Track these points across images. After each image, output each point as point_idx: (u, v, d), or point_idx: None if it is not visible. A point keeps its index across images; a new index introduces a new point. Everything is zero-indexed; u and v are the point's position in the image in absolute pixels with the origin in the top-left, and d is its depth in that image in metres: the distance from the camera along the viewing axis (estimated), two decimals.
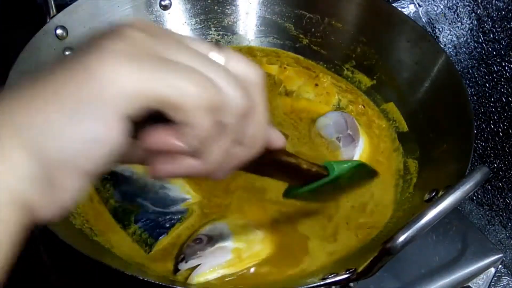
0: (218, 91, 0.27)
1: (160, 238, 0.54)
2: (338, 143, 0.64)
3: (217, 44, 0.30)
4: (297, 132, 0.67)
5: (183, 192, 0.58)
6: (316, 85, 0.72)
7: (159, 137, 0.27)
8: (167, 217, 0.56)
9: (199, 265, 0.51)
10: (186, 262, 0.51)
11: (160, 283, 0.44)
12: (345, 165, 0.48)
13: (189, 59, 0.27)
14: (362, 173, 0.52)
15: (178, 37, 0.28)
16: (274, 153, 0.36)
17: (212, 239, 0.52)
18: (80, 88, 0.25)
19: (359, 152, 0.63)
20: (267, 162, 0.36)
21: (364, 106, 0.71)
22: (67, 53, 0.64)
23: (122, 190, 0.57)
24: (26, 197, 0.24)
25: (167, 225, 0.55)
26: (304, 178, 0.44)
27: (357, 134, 0.64)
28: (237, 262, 0.52)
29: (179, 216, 0.56)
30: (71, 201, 0.26)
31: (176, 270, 0.51)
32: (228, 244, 0.52)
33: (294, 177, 0.43)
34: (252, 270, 0.53)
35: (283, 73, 0.74)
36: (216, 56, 0.29)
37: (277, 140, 0.35)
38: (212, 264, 0.51)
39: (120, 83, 0.25)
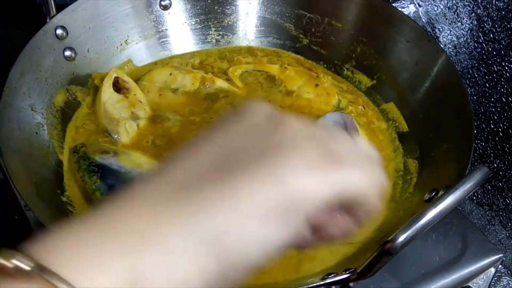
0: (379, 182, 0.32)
1: None
2: None
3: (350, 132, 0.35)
4: None
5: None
6: (317, 85, 0.72)
7: (342, 224, 0.31)
8: None
9: None
10: None
11: None
12: None
13: (351, 154, 0.31)
14: None
15: (332, 135, 0.32)
16: None
17: None
18: (270, 192, 0.26)
19: None
20: None
21: (364, 107, 0.71)
22: (66, 53, 0.64)
23: (109, 183, 0.57)
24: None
25: None
26: None
27: (356, 134, 0.64)
28: None
29: None
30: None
31: None
32: None
33: None
34: None
35: (283, 72, 0.74)
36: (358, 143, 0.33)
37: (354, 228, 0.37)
38: None
39: (308, 188, 0.27)
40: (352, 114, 0.69)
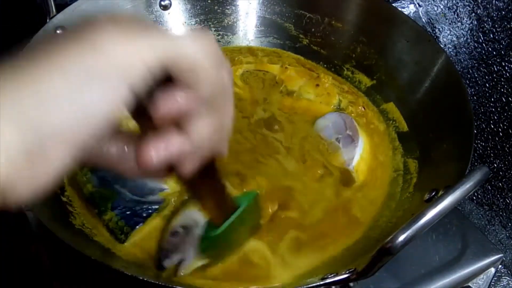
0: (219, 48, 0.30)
1: (137, 227, 0.53)
2: (338, 144, 0.64)
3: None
4: (297, 133, 0.67)
5: (161, 182, 0.58)
6: (317, 85, 0.72)
7: (171, 101, 0.28)
8: (144, 206, 0.55)
9: (184, 259, 0.50)
10: (170, 258, 0.50)
11: (160, 283, 0.44)
12: (245, 197, 0.49)
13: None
14: (254, 209, 0.53)
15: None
16: (215, 162, 0.37)
17: (188, 229, 0.52)
18: (85, 60, 0.25)
19: (359, 152, 0.63)
20: (206, 173, 0.37)
21: (364, 108, 0.71)
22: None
23: (100, 176, 0.56)
24: (15, 168, 0.23)
25: (144, 215, 0.54)
26: (223, 207, 0.45)
27: (356, 134, 0.64)
28: None
29: (157, 206, 0.56)
30: (51, 177, 0.25)
31: (161, 267, 0.51)
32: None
33: (217, 204, 0.44)
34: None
35: (284, 72, 0.74)
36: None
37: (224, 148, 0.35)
38: (196, 254, 0.50)
39: (130, 52, 0.26)
40: (352, 115, 0.69)
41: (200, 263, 0.51)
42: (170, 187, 0.58)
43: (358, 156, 0.63)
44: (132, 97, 0.27)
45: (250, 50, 0.78)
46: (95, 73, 0.25)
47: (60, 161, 0.25)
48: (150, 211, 0.55)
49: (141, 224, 0.54)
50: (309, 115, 0.69)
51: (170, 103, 0.28)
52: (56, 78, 0.24)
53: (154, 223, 0.55)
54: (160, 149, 0.30)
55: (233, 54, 0.77)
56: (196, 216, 0.53)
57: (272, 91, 0.72)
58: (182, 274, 0.50)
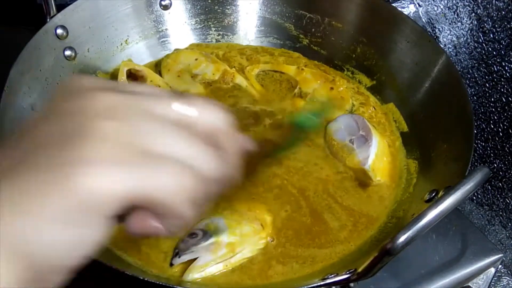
0: (198, 177, 0.28)
1: None
2: (351, 145, 0.63)
3: (183, 96, 0.30)
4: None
5: None
6: (331, 88, 0.71)
7: (143, 223, 0.28)
8: None
9: (194, 259, 0.51)
10: (179, 257, 0.51)
11: (160, 283, 0.44)
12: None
13: (165, 142, 0.28)
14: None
15: (146, 103, 0.28)
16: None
17: (207, 234, 0.53)
18: (64, 197, 0.25)
19: (374, 150, 0.62)
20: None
21: (374, 108, 0.70)
22: (66, 53, 0.63)
23: None
24: None
25: None
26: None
27: (369, 133, 0.63)
28: (231, 257, 0.52)
29: None
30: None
31: (170, 264, 0.52)
32: (223, 238, 0.53)
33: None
34: (246, 266, 0.53)
35: (300, 74, 0.73)
36: (190, 110, 0.30)
37: (249, 144, 0.35)
38: (206, 259, 0.51)
39: (103, 189, 0.25)
40: (365, 115, 0.69)
41: (209, 270, 0.51)
42: None
43: (373, 155, 0.62)
44: (112, 220, 0.27)
45: (264, 49, 0.78)
46: (73, 211, 0.25)
47: (58, 281, 0.26)
48: None
49: None
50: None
51: (141, 225, 0.28)
52: (37, 216, 0.25)
53: None
54: (138, 228, 0.29)
55: (251, 52, 0.77)
56: (219, 224, 0.54)
57: (287, 93, 0.72)
58: (189, 276, 0.50)
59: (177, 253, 0.51)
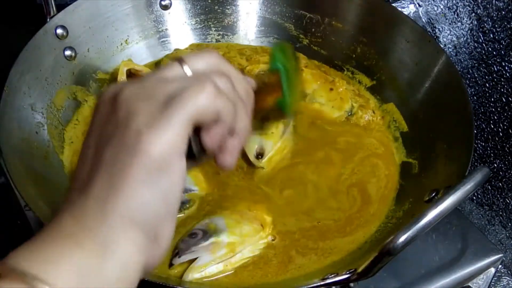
0: (227, 96, 0.33)
1: None
2: None
3: (175, 58, 0.37)
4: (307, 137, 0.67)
5: (192, 183, 0.59)
6: (331, 89, 0.71)
7: (214, 137, 0.33)
8: None
9: (194, 259, 0.51)
10: (179, 257, 0.51)
11: (161, 282, 0.44)
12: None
13: (180, 83, 0.32)
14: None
15: (153, 77, 0.33)
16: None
17: (207, 234, 0.53)
18: (139, 164, 0.29)
19: None
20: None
21: (374, 112, 0.70)
22: (66, 53, 0.64)
23: None
24: (142, 262, 0.30)
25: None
26: (274, 90, 0.46)
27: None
28: (231, 257, 0.52)
29: (181, 207, 0.56)
30: (169, 244, 0.32)
31: (170, 264, 0.52)
32: (223, 238, 0.53)
33: (270, 94, 0.46)
34: (246, 266, 0.53)
35: None
36: (186, 68, 0.34)
37: (250, 81, 0.40)
38: (206, 259, 0.51)
39: (161, 144, 0.29)
40: (362, 121, 0.69)
41: (209, 270, 0.51)
42: (199, 188, 0.59)
43: None
44: (184, 160, 0.31)
45: (263, 49, 0.78)
46: (151, 170, 0.29)
47: (169, 234, 0.31)
48: None
49: None
50: (318, 119, 0.69)
51: (213, 139, 0.33)
52: (131, 189, 0.29)
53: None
54: (231, 158, 0.35)
55: (250, 52, 0.77)
56: (219, 224, 0.54)
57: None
58: (189, 275, 0.50)
59: (177, 253, 0.51)
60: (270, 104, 0.46)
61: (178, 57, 0.35)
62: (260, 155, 0.60)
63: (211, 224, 0.54)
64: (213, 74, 0.33)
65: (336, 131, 0.68)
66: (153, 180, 0.29)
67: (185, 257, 0.51)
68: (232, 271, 0.52)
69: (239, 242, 0.53)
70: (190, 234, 0.53)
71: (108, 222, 0.28)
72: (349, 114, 0.69)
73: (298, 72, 0.53)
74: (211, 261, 0.51)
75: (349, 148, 0.66)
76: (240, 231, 0.54)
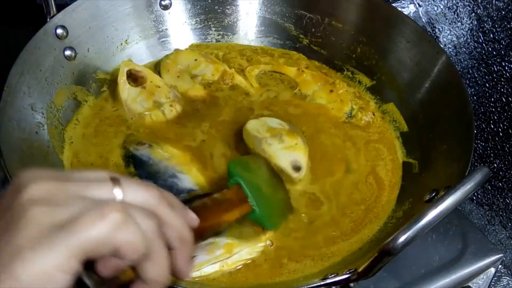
0: (134, 228, 0.29)
1: None
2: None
3: (112, 176, 0.32)
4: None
5: (192, 183, 0.59)
6: (331, 91, 0.71)
7: (108, 267, 0.31)
8: None
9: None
10: None
11: None
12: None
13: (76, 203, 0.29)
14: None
15: (81, 188, 0.30)
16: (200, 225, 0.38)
17: None
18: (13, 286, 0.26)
19: None
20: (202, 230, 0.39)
21: (374, 114, 0.70)
22: (66, 53, 0.64)
23: (136, 173, 0.59)
24: None
25: None
26: (238, 205, 0.46)
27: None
28: (227, 257, 0.52)
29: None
30: None
31: None
32: (221, 239, 0.53)
33: (231, 210, 0.46)
34: (241, 267, 0.53)
35: (300, 76, 0.74)
36: (116, 191, 0.31)
37: (193, 220, 0.37)
38: (203, 259, 0.51)
39: (43, 272, 0.26)
40: (362, 122, 0.69)
41: (206, 269, 0.51)
42: (200, 188, 0.59)
43: None
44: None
45: (264, 50, 0.78)
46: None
47: None
48: None
49: None
50: (318, 121, 0.69)
51: (107, 268, 0.31)
52: None
53: None
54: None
55: (251, 53, 0.77)
56: None
57: (286, 93, 0.72)
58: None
59: None
60: (236, 217, 0.46)
61: (115, 177, 0.32)
62: (297, 168, 0.59)
63: None
64: (136, 210, 0.30)
65: (337, 134, 0.68)
66: None
67: None
68: (228, 272, 0.52)
69: (237, 243, 0.53)
70: None
71: None
72: (349, 115, 0.69)
73: (275, 182, 0.54)
74: (207, 261, 0.51)
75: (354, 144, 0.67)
76: (239, 233, 0.54)
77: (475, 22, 0.73)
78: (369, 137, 0.68)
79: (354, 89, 0.73)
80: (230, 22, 0.79)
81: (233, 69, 0.73)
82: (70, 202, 0.29)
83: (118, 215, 0.28)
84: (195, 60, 0.72)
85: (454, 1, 0.76)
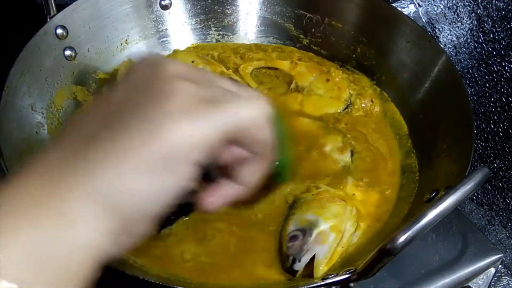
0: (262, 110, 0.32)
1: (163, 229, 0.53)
2: None
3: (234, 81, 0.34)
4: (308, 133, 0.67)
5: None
6: (328, 80, 0.70)
7: (233, 151, 0.32)
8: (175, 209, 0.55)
9: (315, 256, 0.50)
10: (299, 261, 0.50)
11: (160, 283, 0.44)
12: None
13: (228, 93, 0.31)
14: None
15: (212, 77, 0.32)
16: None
17: (306, 229, 0.52)
18: (151, 149, 0.27)
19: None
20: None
21: (372, 101, 0.70)
22: (66, 53, 0.64)
23: None
24: (103, 248, 0.27)
25: (172, 218, 0.54)
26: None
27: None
28: (341, 238, 0.52)
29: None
30: (136, 242, 0.29)
31: (293, 272, 0.50)
32: (323, 226, 0.52)
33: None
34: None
35: (294, 68, 0.73)
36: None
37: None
38: (324, 250, 0.50)
39: (187, 136, 0.27)
40: (360, 112, 0.69)
41: (334, 256, 0.51)
42: None
43: None
44: (198, 170, 0.29)
45: (257, 45, 0.78)
46: (161, 159, 0.27)
47: (141, 234, 0.29)
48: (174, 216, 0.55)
49: (168, 226, 0.54)
50: (319, 111, 0.68)
51: (231, 153, 0.32)
52: (125, 165, 0.27)
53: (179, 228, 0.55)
54: (217, 197, 0.34)
55: (244, 50, 0.77)
56: (307, 217, 0.53)
57: (282, 88, 0.72)
58: (321, 268, 0.49)
59: (293, 259, 0.50)
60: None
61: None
62: None
63: (300, 221, 0.53)
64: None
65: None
66: (153, 172, 0.27)
67: (305, 258, 0.50)
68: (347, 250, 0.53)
69: (339, 221, 0.53)
70: (290, 239, 0.52)
71: (82, 199, 0.26)
72: (349, 103, 0.69)
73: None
74: (329, 250, 0.50)
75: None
76: (331, 213, 0.53)
77: (475, 22, 0.73)
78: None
79: (347, 75, 0.73)
80: (230, 22, 0.79)
81: (230, 70, 0.73)
82: (211, 85, 0.30)
83: (268, 108, 0.31)
84: (192, 61, 0.71)
85: (454, 1, 0.76)
